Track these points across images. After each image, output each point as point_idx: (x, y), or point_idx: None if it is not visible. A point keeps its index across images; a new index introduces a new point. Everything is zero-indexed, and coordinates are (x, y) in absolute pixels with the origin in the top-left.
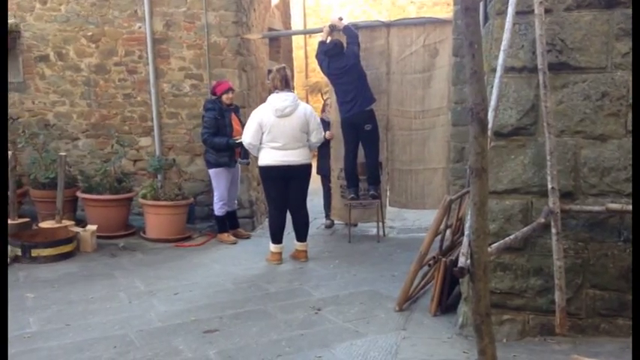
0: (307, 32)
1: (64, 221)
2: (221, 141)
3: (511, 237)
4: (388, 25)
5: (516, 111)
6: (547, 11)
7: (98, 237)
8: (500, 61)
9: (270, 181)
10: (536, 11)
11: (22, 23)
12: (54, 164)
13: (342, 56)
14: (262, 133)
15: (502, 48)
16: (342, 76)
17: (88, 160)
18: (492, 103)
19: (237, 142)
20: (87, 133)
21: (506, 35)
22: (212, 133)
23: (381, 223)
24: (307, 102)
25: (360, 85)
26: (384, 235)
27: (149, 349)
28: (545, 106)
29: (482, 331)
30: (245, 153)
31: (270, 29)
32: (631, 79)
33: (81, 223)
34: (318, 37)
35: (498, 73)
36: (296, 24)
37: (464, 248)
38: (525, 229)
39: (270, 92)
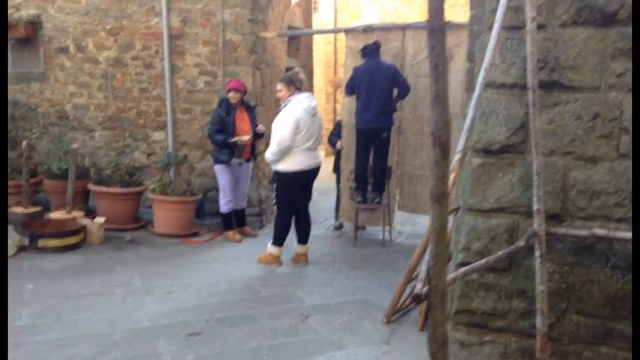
0: (321, 32)
1: (74, 212)
2: (219, 138)
3: (482, 262)
4: (403, 28)
5: (506, 128)
6: (541, 27)
7: (108, 229)
8: (480, 79)
9: (295, 187)
10: (528, 27)
11: (44, 14)
12: (67, 155)
13: (379, 58)
14: (298, 134)
15: (484, 66)
16: (373, 81)
17: (104, 152)
18: (467, 122)
19: (232, 141)
20: (103, 125)
21: (488, 53)
22: (216, 130)
23: (388, 227)
24: (335, 99)
25: (388, 98)
26: (391, 240)
27: (130, 350)
28: (533, 125)
29: None
30: (239, 153)
31: (290, 27)
32: (625, 100)
33: (93, 214)
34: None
35: (477, 92)
36: (327, 20)
37: (422, 274)
38: (500, 252)
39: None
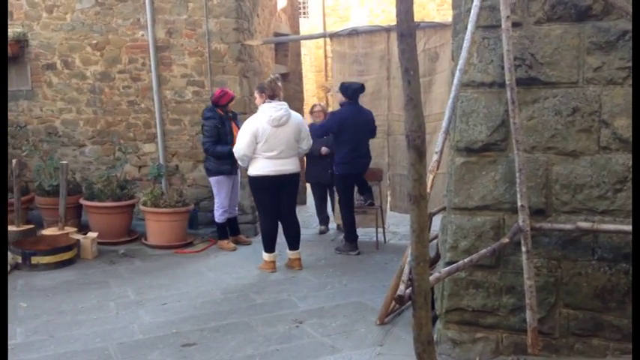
0: (306, 38)
1: (67, 228)
2: (224, 150)
3: (465, 260)
4: (388, 30)
5: (487, 127)
6: (517, 25)
7: (100, 243)
8: (455, 80)
9: (264, 190)
10: (503, 26)
11: (30, 32)
12: (57, 171)
13: (358, 101)
14: (256, 144)
15: (458, 67)
16: (358, 127)
17: (95, 167)
18: (444, 122)
19: None
20: (93, 139)
21: (463, 53)
22: (214, 142)
23: (381, 229)
24: (327, 103)
25: (368, 142)
26: (385, 241)
27: None
28: (513, 122)
29: None
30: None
31: (277, 34)
32: (603, 93)
33: (86, 229)
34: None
35: (452, 93)
36: (316, 25)
37: (405, 275)
38: (483, 250)
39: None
